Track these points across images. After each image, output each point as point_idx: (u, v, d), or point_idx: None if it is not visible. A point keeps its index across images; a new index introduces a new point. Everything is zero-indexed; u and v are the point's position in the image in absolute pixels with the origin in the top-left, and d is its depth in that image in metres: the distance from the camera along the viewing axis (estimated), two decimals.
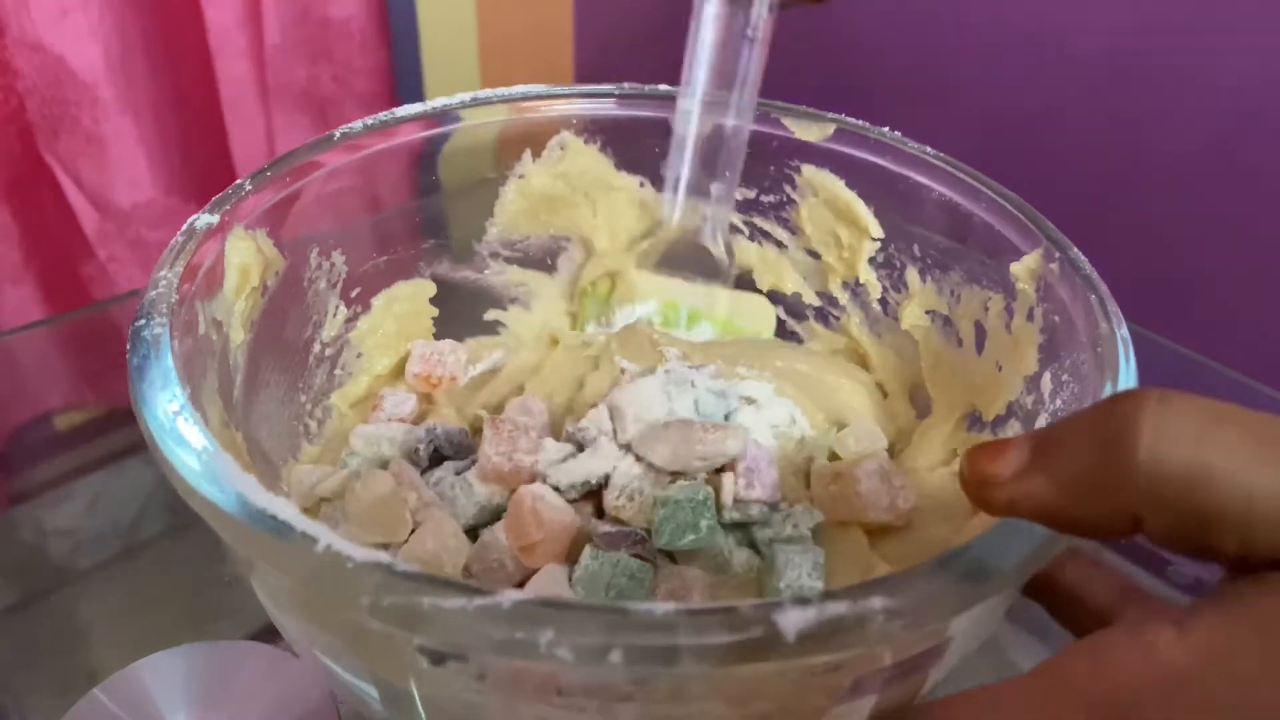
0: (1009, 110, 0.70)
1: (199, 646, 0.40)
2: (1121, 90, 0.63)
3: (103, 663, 0.47)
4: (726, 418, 0.42)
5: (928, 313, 0.45)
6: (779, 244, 0.49)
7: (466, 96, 0.45)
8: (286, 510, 0.25)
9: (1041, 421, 0.37)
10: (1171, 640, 0.21)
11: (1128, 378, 0.33)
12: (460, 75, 0.91)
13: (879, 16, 0.75)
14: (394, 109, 0.44)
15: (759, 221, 0.49)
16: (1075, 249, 0.38)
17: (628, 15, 0.92)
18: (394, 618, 0.23)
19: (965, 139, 0.73)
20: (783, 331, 0.51)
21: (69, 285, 0.79)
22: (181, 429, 0.28)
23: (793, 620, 0.23)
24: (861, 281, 0.47)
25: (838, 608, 0.23)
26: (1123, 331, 0.34)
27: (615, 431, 0.40)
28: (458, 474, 0.39)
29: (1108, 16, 0.63)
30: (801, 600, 0.23)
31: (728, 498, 0.38)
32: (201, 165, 0.81)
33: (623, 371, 0.44)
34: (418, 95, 0.88)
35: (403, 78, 0.87)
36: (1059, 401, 0.36)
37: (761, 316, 0.50)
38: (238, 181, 0.39)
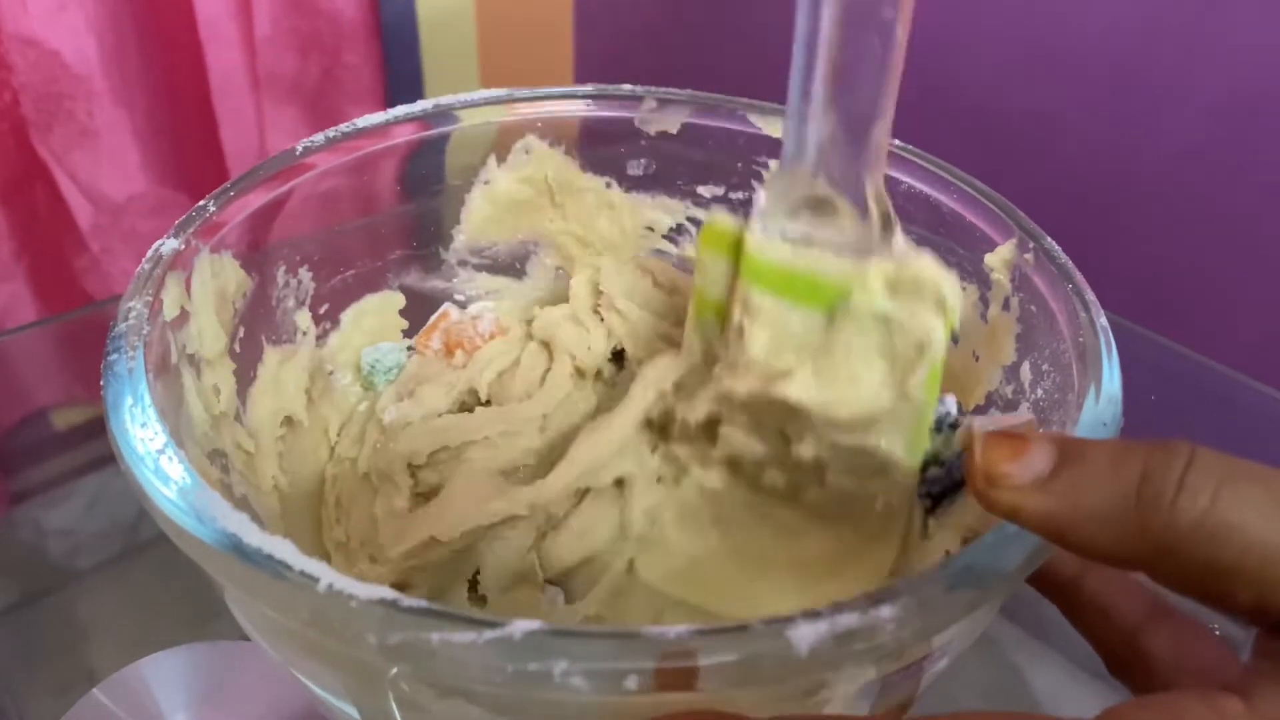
0: (1006, 109, 0.70)
1: (199, 646, 0.40)
2: (1122, 90, 0.64)
3: (103, 663, 0.46)
4: None
5: None
6: None
7: (429, 104, 0.45)
8: (284, 549, 0.24)
9: (1023, 410, 0.38)
10: (1241, 712, 0.21)
11: (1110, 367, 0.33)
12: (460, 75, 0.90)
13: None
14: (355, 119, 0.43)
15: None
16: (1049, 239, 0.38)
17: (628, 14, 0.91)
18: (402, 655, 0.23)
19: (961, 138, 0.73)
20: None
21: (62, 277, 0.79)
22: (165, 467, 0.27)
23: (804, 635, 0.23)
24: None
25: (848, 620, 0.23)
26: (1101, 320, 0.35)
27: None
28: None
29: (1107, 15, 0.63)
30: (812, 614, 0.23)
31: None
32: (193, 156, 0.82)
33: None
34: (417, 95, 0.87)
35: (402, 77, 0.86)
36: (1040, 391, 0.37)
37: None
38: (200, 202, 0.38)
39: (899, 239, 0.31)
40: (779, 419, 0.34)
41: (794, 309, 0.32)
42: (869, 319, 0.31)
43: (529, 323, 0.48)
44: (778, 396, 0.32)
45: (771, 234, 0.32)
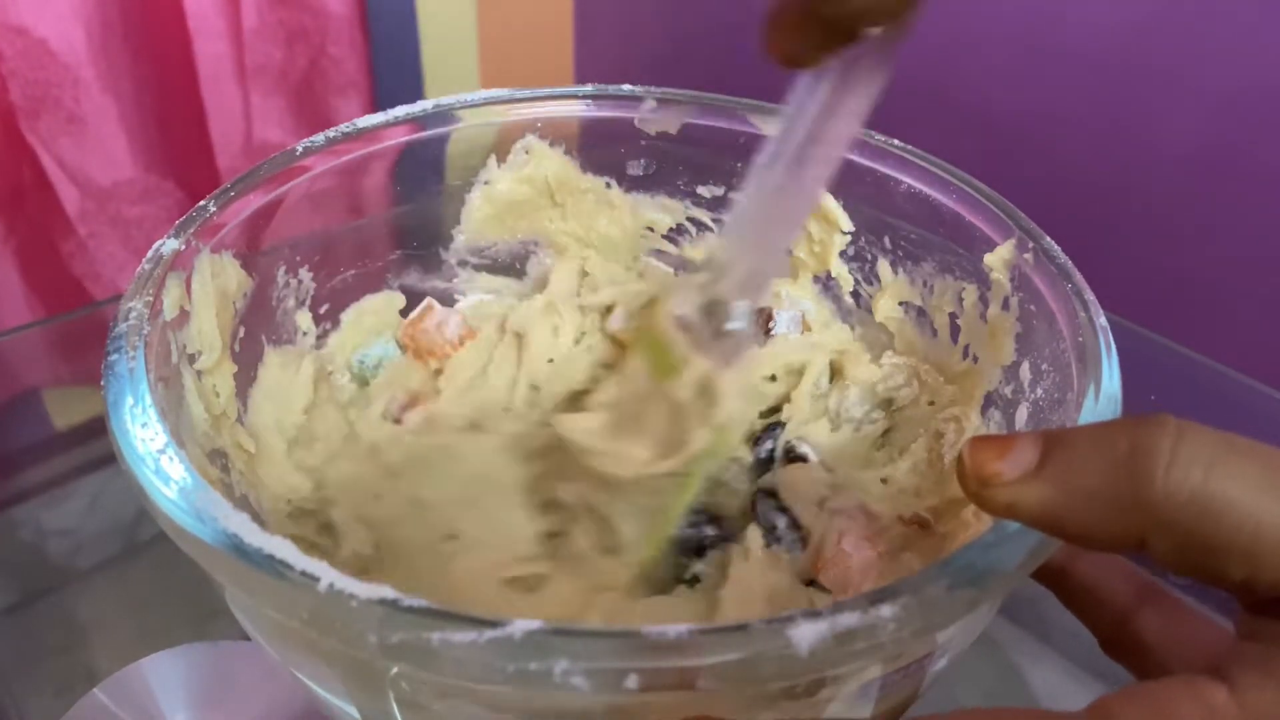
0: (1008, 110, 0.70)
1: (199, 646, 0.40)
2: (1121, 90, 0.64)
3: (103, 663, 0.46)
4: None
5: (901, 304, 0.45)
6: None
7: (429, 104, 0.45)
8: (285, 549, 0.24)
9: (1022, 411, 0.38)
10: (1225, 700, 0.21)
11: (1110, 366, 0.33)
12: (460, 75, 0.91)
13: None
14: (355, 120, 0.43)
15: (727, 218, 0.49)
16: (1049, 238, 0.38)
17: (628, 15, 0.91)
18: (402, 655, 0.23)
19: (961, 138, 0.73)
20: None
21: (49, 261, 0.81)
22: (165, 467, 0.27)
23: (805, 635, 0.23)
24: (833, 275, 0.47)
25: (849, 619, 0.23)
26: (1100, 320, 0.35)
27: None
28: None
29: (1107, 15, 0.63)
30: (812, 614, 0.23)
31: None
32: (181, 143, 0.83)
33: None
34: (417, 94, 0.88)
35: (402, 77, 0.87)
36: (1039, 391, 0.37)
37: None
38: (201, 203, 0.38)
39: (748, 357, 0.35)
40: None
41: (645, 375, 0.36)
42: (673, 404, 0.34)
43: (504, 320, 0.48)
44: (555, 428, 0.36)
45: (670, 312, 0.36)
